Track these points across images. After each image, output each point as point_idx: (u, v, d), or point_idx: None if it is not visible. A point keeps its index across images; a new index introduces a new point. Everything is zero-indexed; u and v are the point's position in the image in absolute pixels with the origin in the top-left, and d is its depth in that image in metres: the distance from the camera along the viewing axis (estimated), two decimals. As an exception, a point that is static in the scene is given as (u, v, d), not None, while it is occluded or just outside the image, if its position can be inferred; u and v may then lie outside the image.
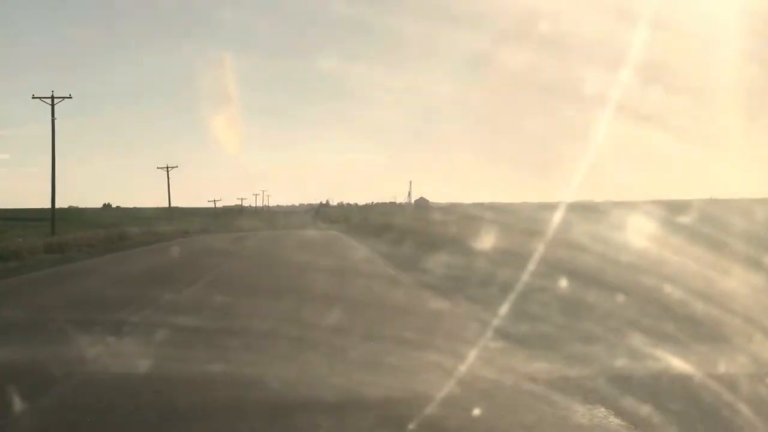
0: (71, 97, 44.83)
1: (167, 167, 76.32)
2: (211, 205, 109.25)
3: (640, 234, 16.01)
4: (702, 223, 17.32)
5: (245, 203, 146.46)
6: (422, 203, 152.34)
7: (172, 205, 79.45)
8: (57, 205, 45.52)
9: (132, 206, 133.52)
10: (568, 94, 66.33)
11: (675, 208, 23.08)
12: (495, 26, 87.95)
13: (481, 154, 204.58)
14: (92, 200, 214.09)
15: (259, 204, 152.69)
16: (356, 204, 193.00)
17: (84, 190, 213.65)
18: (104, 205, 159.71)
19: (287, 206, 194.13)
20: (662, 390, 6.70)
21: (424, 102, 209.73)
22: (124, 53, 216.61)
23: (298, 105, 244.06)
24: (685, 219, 18.70)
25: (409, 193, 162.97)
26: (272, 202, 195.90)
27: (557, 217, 16.93)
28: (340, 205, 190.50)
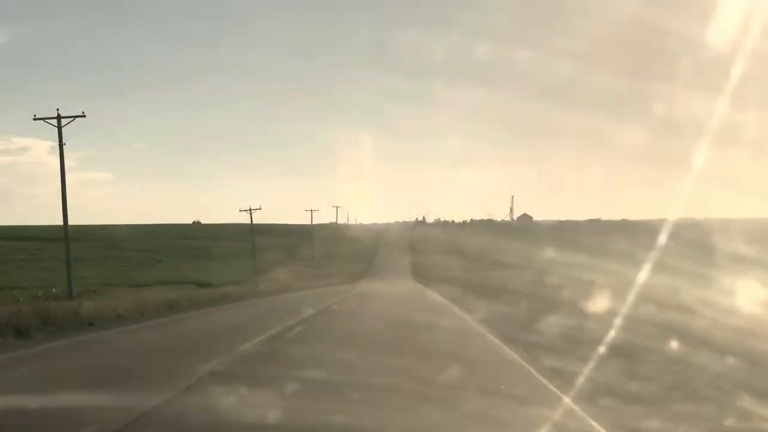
0: (84, 116, 38.53)
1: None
2: (245, 218, 64.86)
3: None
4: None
5: (319, 218, 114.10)
6: (525, 221, 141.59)
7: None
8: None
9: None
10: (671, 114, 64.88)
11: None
12: (594, 50, 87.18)
13: (588, 172, 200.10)
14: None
15: (343, 221, 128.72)
16: (453, 221, 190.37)
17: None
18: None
19: (382, 224, 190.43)
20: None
21: (527, 122, 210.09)
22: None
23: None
24: None
25: (511, 209, 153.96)
26: (364, 220, 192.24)
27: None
28: (437, 222, 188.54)
